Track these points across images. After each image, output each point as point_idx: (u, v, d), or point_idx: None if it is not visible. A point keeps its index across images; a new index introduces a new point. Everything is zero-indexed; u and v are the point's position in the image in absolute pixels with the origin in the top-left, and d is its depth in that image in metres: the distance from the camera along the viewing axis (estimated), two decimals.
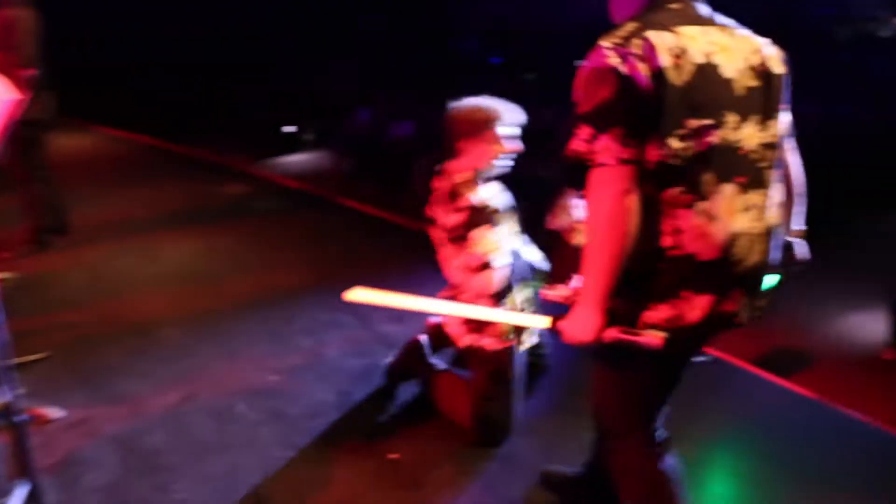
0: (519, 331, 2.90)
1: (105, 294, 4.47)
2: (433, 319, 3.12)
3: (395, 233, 5.75)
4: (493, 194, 2.83)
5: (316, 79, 10.90)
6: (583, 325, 1.75)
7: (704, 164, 1.67)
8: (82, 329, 3.94)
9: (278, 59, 12.13)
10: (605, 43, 1.66)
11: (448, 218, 2.77)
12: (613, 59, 1.61)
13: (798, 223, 2.04)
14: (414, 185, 3.22)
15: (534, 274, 3.04)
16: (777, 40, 1.85)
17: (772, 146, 1.79)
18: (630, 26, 1.68)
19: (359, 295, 2.30)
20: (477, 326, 2.87)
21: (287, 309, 4.22)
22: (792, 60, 1.86)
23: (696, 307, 1.74)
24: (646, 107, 1.61)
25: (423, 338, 3.15)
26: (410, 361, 3.19)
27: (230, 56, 12.25)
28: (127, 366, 3.54)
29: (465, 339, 2.92)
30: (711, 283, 1.73)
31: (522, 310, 2.87)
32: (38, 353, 3.53)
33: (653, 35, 1.63)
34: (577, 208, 1.84)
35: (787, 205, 1.97)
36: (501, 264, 2.76)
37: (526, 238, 3.08)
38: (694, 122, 1.64)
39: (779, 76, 1.80)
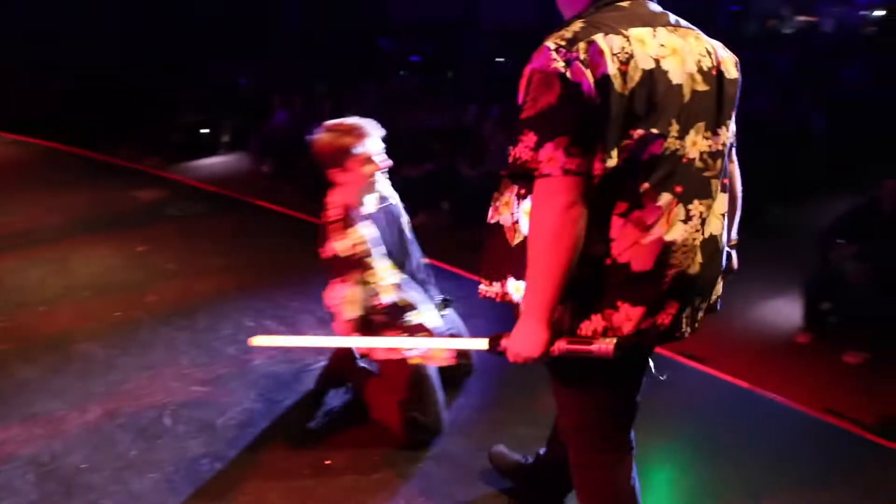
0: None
1: (14, 309, 4.26)
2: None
3: (317, 235, 5.68)
4: (367, 232, 2.79)
5: (231, 79, 10.65)
6: (528, 341, 1.67)
7: (644, 174, 1.60)
8: None
9: (192, 59, 11.79)
10: (550, 44, 1.56)
11: (325, 251, 2.80)
12: (558, 64, 1.52)
13: (733, 233, 1.99)
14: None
15: (439, 302, 3.11)
16: None
17: (719, 155, 1.72)
18: (577, 25, 1.59)
19: (265, 341, 2.26)
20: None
21: (210, 317, 4.12)
22: None
23: (631, 318, 1.67)
24: (591, 115, 1.52)
25: None
26: (341, 366, 3.16)
27: (141, 56, 11.82)
28: (42, 384, 3.39)
29: (378, 353, 2.94)
30: (645, 295, 1.67)
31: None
32: None
33: (600, 39, 1.54)
34: (515, 205, 1.74)
35: (730, 214, 1.89)
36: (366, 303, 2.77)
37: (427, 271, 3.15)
38: (638, 132, 1.57)
39: (732, 81, 1.73)
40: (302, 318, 3.95)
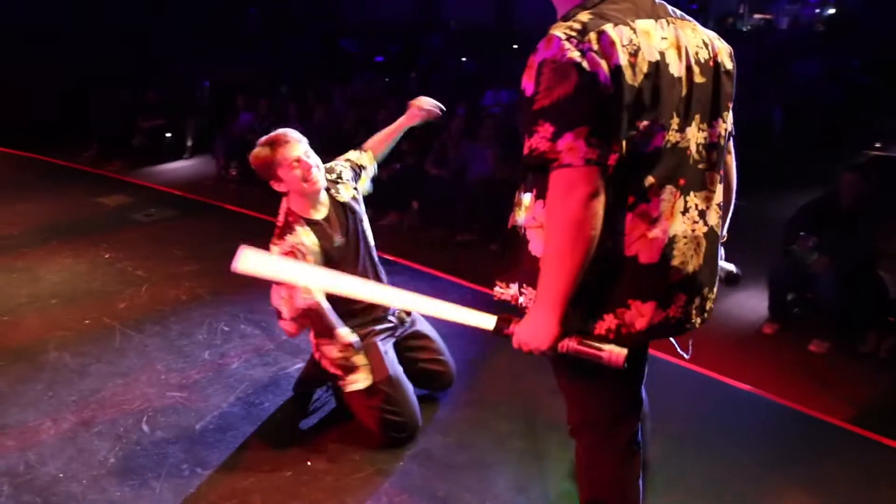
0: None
1: None
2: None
3: None
4: (305, 239, 2.82)
5: (195, 81, 10.51)
6: (537, 333, 1.65)
7: (649, 166, 1.60)
8: None
9: (154, 62, 11.60)
10: (560, 34, 1.53)
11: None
12: (573, 53, 1.49)
13: (724, 229, 1.98)
14: None
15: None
16: None
17: (714, 147, 1.73)
18: (584, 16, 1.56)
19: (249, 263, 2.14)
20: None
21: (183, 322, 4.09)
22: None
23: (643, 314, 1.67)
24: (607, 105, 1.51)
25: None
26: (318, 370, 3.16)
27: (102, 58, 11.58)
28: (13, 395, 3.33)
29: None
30: (654, 288, 1.67)
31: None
32: None
33: (610, 29, 1.52)
34: (529, 206, 1.73)
35: (725, 206, 1.90)
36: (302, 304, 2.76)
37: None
38: (644, 124, 1.56)
39: (728, 72, 1.75)
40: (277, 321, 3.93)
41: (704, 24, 1.83)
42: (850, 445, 3.07)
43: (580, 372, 1.78)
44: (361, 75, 10.22)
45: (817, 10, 17.08)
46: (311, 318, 2.80)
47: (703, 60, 1.68)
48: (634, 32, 1.56)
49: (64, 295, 4.50)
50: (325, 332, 2.83)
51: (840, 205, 4.27)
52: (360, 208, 3.06)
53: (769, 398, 3.42)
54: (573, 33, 1.52)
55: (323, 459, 2.87)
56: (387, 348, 3.00)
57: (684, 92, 1.63)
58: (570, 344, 1.65)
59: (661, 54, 1.59)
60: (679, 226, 1.67)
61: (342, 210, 2.97)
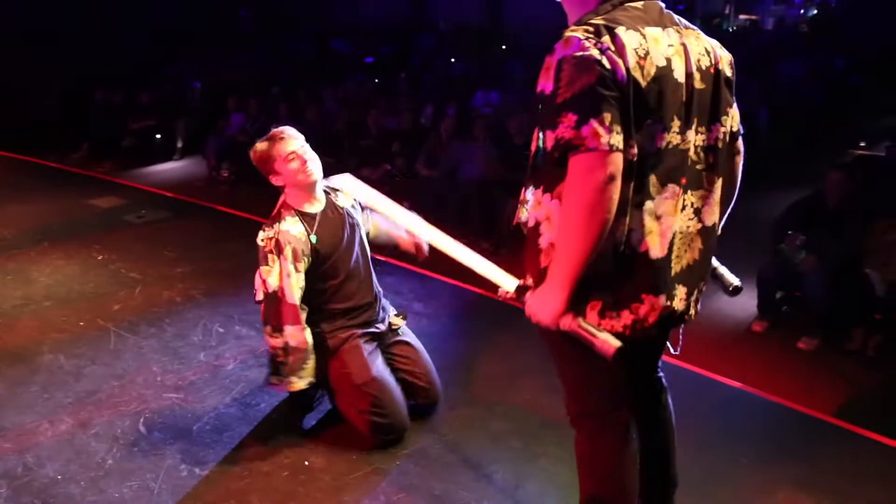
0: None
1: None
2: None
3: None
4: (291, 229, 2.89)
5: (184, 82, 10.49)
6: (545, 306, 1.74)
7: (655, 165, 1.71)
8: None
9: (144, 63, 11.57)
10: (578, 34, 1.63)
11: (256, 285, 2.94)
12: (593, 51, 1.60)
13: (720, 226, 2.04)
14: None
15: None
16: None
17: (712, 149, 1.83)
18: (597, 20, 1.66)
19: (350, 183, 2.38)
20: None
21: (177, 324, 4.11)
22: None
23: (655, 308, 1.78)
24: (624, 100, 1.61)
25: None
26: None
27: (93, 59, 11.53)
28: (9, 397, 3.33)
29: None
30: (662, 282, 1.77)
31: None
32: None
33: (623, 32, 1.64)
34: (536, 202, 1.81)
35: (725, 200, 1.99)
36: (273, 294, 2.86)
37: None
38: (649, 124, 1.67)
39: (728, 80, 1.86)
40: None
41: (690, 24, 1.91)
42: (839, 441, 3.13)
43: (581, 360, 1.86)
44: (353, 76, 10.24)
45: (802, 11, 17.24)
46: (271, 303, 2.86)
47: (704, 67, 1.79)
48: (644, 38, 1.66)
49: (58, 297, 4.50)
50: (275, 321, 2.88)
51: (826, 204, 4.34)
52: (358, 218, 3.12)
53: (758, 395, 3.47)
54: (590, 34, 1.63)
55: (320, 459, 2.90)
56: (371, 351, 3.03)
57: (685, 97, 1.74)
58: (570, 323, 1.73)
59: (668, 60, 1.69)
60: (679, 223, 1.78)
61: (338, 213, 3.03)
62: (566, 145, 1.61)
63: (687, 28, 1.81)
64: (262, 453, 2.94)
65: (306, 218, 2.94)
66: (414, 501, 2.66)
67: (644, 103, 1.65)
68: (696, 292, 1.89)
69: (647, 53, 1.65)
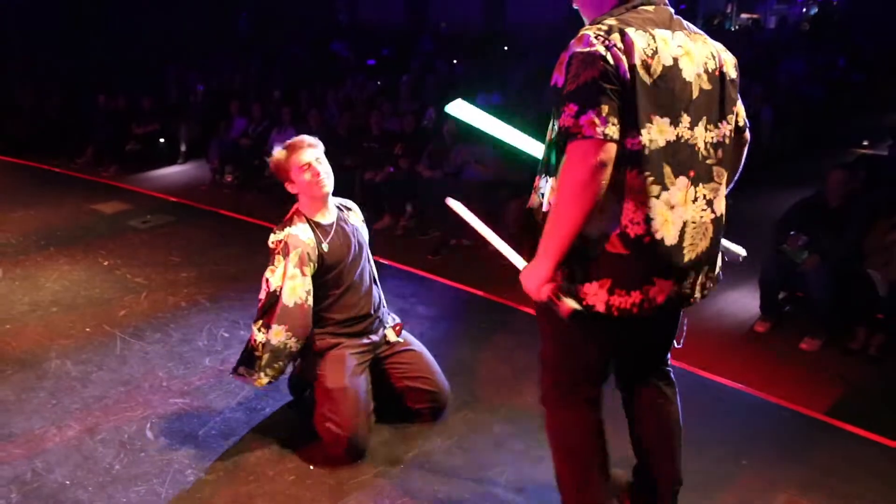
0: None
1: None
2: None
3: None
4: (301, 234, 2.95)
5: (188, 86, 10.53)
6: (532, 277, 1.91)
7: (666, 158, 1.85)
8: None
9: (146, 66, 11.62)
10: (590, 33, 1.79)
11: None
12: (600, 48, 1.76)
13: None
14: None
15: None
16: None
17: (720, 145, 1.97)
18: (611, 20, 1.83)
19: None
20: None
21: (183, 329, 4.14)
22: None
23: (663, 290, 1.93)
24: (625, 95, 1.77)
25: None
26: (302, 376, 3.21)
27: (95, 64, 11.60)
28: (17, 403, 3.36)
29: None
30: (677, 268, 1.92)
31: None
32: None
33: (632, 32, 1.79)
34: (551, 190, 1.93)
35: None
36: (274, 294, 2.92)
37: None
38: (657, 118, 1.82)
39: (733, 81, 1.99)
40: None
41: (692, 24, 2.03)
42: (840, 442, 3.14)
43: (559, 336, 2.08)
44: (353, 78, 10.26)
45: (804, 10, 17.22)
46: (268, 301, 2.93)
47: (710, 70, 1.93)
48: (653, 38, 1.82)
49: (64, 303, 4.54)
50: (267, 318, 2.94)
51: (828, 204, 4.35)
52: (365, 238, 3.20)
53: (761, 396, 3.49)
54: (601, 32, 1.79)
55: (325, 463, 2.92)
56: (355, 364, 3.03)
57: (694, 96, 1.89)
58: (547, 291, 1.89)
59: (675, 60, 1.85)
60: (690, 213, 1.92)
61: (348, 227, 3.12)
62: (566, 132, 1.78)
63: (695, 33, 1.94)
64: (268, 457, 2.96)
65: (319, 227, 3.01)
66: None
67: (651, 99, 1.80)
68: (702, 277, 2.03)
69: (654, 53, 1.80)
